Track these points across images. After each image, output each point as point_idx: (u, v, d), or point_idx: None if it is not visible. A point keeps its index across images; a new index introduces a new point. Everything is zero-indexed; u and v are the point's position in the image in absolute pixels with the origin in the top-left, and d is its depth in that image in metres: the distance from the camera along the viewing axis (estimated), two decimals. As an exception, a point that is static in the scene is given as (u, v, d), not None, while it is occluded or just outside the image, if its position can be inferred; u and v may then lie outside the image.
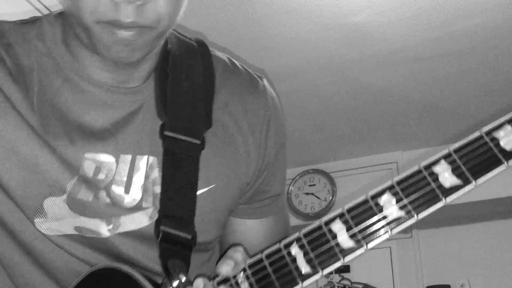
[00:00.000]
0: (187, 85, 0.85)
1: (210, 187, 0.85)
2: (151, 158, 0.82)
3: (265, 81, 0.96)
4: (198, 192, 0.83)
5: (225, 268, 0.75)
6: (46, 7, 2.35)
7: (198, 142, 0.83)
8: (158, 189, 0.82)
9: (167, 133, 0.82)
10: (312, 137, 3.43)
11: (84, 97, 0.81)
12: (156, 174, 0.82)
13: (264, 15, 2.42)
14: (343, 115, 3.27)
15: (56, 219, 0.79)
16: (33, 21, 0.86)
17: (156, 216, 0.82)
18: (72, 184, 0.80)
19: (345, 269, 3.47)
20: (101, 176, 0.80)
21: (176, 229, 0.79)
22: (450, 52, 2.74)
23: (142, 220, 0.82)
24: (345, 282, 3.47)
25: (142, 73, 0.84)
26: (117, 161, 0.81)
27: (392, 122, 3.31)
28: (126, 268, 0.75)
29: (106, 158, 0.81)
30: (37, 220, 0.79)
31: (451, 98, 3.04)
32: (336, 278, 3.48)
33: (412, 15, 2.52)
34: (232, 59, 0.96)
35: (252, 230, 0.96)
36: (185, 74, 0.87)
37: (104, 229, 0.80)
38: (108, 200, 0.81)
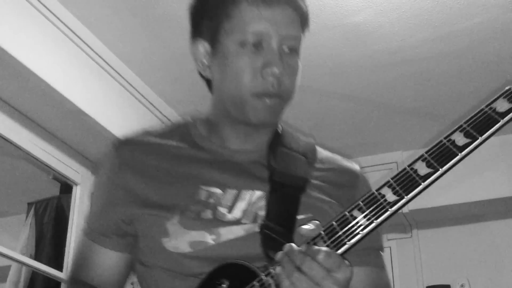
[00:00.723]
0: (292, 155, 1.15)
1: (308, 215, 1.07)
2: (258, 192, 1.09)
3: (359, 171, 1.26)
4: (299, 217, 1.06)
5: (305, 228, 0.93)
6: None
7: (299, 186, 1.10)
8: (262, 212, 1.07)
9: (274, 179, 1.09)
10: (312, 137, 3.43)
11: (214, 156, 1.14)
12: (262, 202, 1.08)
13: (264, 15, 2.42)
14: (343, 115, 3.27)
15: (175, 238, 1.05)
16: (177, 127, 1.22)
17: (252, 230, 1.05)
18: (183, 207, 1.07)
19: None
20: (211, 200, 1.08)
21: (277, 228, 1.03)
22: (450, 52, 2.74)
23: (238, 232, 1.05)
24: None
25: (258, 141, 1.15)
26: (224, 193, 1.09)
27: (392, 122, 3.31)
28: (240, 262, 0.99)
29: (216, 190, 1.09)
30: (164, 239, 1.05)
31: (451, 97, 3.04)
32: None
33: (412, 15, 2.52)
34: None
35: None
36: (292, 146, 1.17)
37: (208, 239, 1.04)
38: (211, 216, 1.06)
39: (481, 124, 0.87)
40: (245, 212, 1.08)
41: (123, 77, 2.83)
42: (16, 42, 2.21)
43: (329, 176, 1.17)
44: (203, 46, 1.13)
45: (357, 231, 0.90)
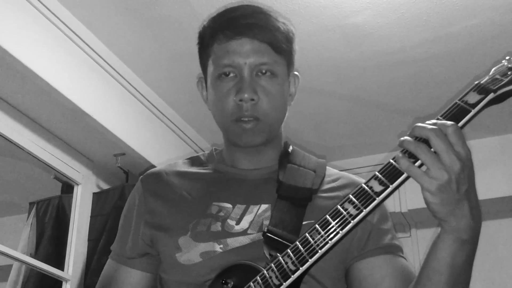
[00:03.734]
0: (300, 170, 1.23)
1: (312, 221, 1.13)
2: (265, 205, 1.18)
3: None
4: (304, 223, 1.14)
5: None
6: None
7: (305, 196, 1.18)
8: (267, 222, 1.15)
9: (281, 191, 1.19)
10: (312, 137, 3.45)
11: (226, 176, 1.26)
12: (268, 213, 1.17)
13: (264, 16, 2.43)
14: (343, 115, 3.28)
15: (186, 251, 1.14)
16: (198, 156, 1.35)
17: (258, 238, 1.13)
18: (195, 223, 1.17)
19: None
20: (221, 214, 1.18)
21: (281, 232, 1.11)
22: (449, 52, 2.76)
23: (243, 241, 1.14)
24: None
25: (268, 160, 1.26)
26: (233, 207, 1.19)
27: (391, 122, 3.32)
28: (243, 261, 1.09)
29: (226, 205, 1.19)
30: (177, 255, 1.15)
31: (450, 98, 3.05)
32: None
33: (411, 16, 2.53)
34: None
35: (370, 268, 1.17)
36: (301, 163, 1.25)
37: (217, 248, 1.13)
38: (220, 228, 1.16)
39: (455, 115, 0.95)
40: (251, 223, 1.17)
41: (123, 77, 2.84)
42: (17, 42, 2.22)
43: (336, 185, 1.25)
44: (203, 82, 1.29)
45: (348, 220, 0.96)
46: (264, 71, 1.18)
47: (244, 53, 1.17)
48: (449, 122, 0.92)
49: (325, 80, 2.96)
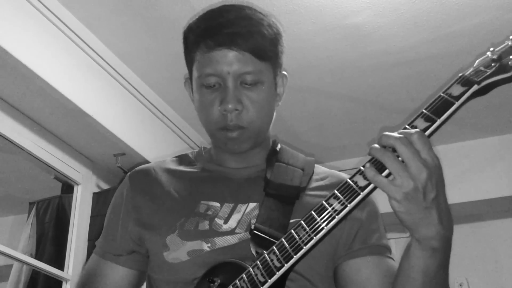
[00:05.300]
0: (288, 168, 1.23)
1: (299, 219, 1.09)
2: (253, 204, 1.18)
3: None
4: (291, 221, 1.14)
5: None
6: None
7: (292, 194, 1.18)
8: (255, 220, 1.15)
9: (268, 190, 1.19)
10: (312, 137, 3.45)
11: (214, 175, 1.26)
12: (256, 212, 1.17)
13: (264, 16, 2.43)
14: (343, 115, 3.28)
15: (174, 250, 1.14)
16: (189, 153, 1.35)
17: (245, 237, 1.13)
18: (183, 222, 1.17)
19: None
20: (209, 212, 1.18)
21: (268, 230, 1.11)
22: (449, 52, 2.76)
23: (231, 240, 1.14)
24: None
25: (256, 159, 1.25)
26: (221, 206, 1.19)
27: (391, 122, 3.32)
28: (230, 259, 1.09)
29: (214, 204, 1.19)
30: (165, 253, 1.15)
31: (450, 98, 3.05)
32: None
33: (411, 16, 2.54)
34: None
35: (356, 268, 1.17)
36: (289, 162, 1.25)
37: (205, 247, 1.13)
38: (207, 227, 1.15)
39: (439, 108, 0.97)
40: (239, 222, 1.17)
41: (123, 77, 2.85)
42: (17, 42, 2.22)
43: (324, 183, 1.25)
44: (189, 84, 1.30)
45: (333, 215, 0.96)
46: (248, 81, 1.16)
47: (227, 62, 1.15)
48: (413, 130, 0.92)
49: (325, 80, 2.96)
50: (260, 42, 1.17)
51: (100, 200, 2.94)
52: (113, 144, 2.83)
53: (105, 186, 3.08)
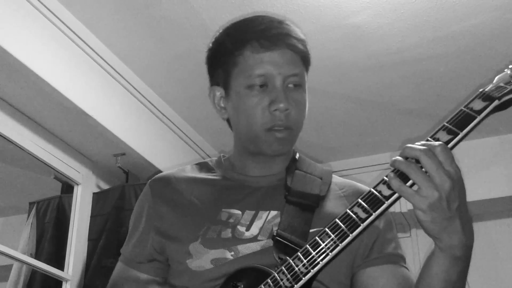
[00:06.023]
0: (308, 177, 1.26)
1: (320, 228, 1.09)
2: (274, 212, 1.20)
3: None
4: (311, 230, 1.15)
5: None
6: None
7: (313, 202, 1.20)
8: (277, 227, 1.16)
9: (289, 197, 1.20)
10: (312, 137, 3.45)
11: (235, 183, 1.27)
12: (278, 219, 1.18)
13: (264, 16, 2.43)
14: (343, 115, 3.28)
15: (198, 258, 1.15)
16: (205, 162, 1.36)
17: (268, 245, 1.14)
18: (205, 230, 1.18)
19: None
20: (230, 220, 1.19)
21: (290, 237, 1.12)
22: (449, 52, 2.76)
23: (255, 248, 1.15)
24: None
25: (277, 167, 1.27)
26: (243, 213, 1.20)
27: (391, 122, 3.33)
28: (253, 265, 1.10)
29: (235, 212, 1.21)
30: (188, 261, 1.16)
31: (450, 98, 3.05)
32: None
33: (411, 16, 2.53)
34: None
35: (372, 277, 1.19)
36: (308, 170, 1.27)
37: (228, 255, 1.14)
38: (230, 235, 1.17)
39: (461, 121, 0.99)
40: (261, 229, 1.18)
41: (123, 77, 2.85)
42: (17, 42, 2.23)
43: (343, 193, 1.27)
44: (218, 91, 1.27)
45: (357, 223, 0.98)
46: (293, 83, 1.20)
47: (278, 63, 1.18)
48: (437, 142, 0.95)
49: (325, 80, 2.96)
50: (305, 46, 1.23)
51: (100, 200, 2.94)
52: (113, 144, 2.83)
53: (105, 186, 3.08)
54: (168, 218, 1.23)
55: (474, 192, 3.37)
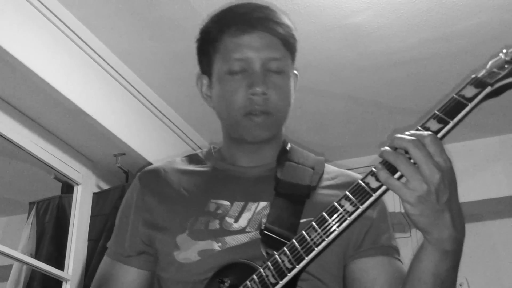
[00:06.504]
0: (299, 167, 1.23)
1: (310, 219, 1.07)
2: (263, 203, 1.17)
3: None
4: (302, 221, 1.13)
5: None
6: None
7: (303, 193, 1.17)
8: (265, 219, 1.14)
9: (279, 189, 1.18)
10: (311, 137, 3.45)
11: (224, 173, 1.25)
12: (267, 210, 1.16)
13: (264, 16, 2.43)
14: (343, 115, 3.28)
15: (185, 249, 1.13)
16: (196, 153, 1.34)
17: (256, 236, 1.12)
18: (193, 221, 1.16)
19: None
20: (219, 211, 1.17)
21: (278, 230, 1.11)
22: (449, 52, 2.76)
23: (242, 239, 1.13)
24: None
25: (267, 157, 1.25)
26: (231, 205, 1.18)
27: (391, 122, 3.33)
28: (240, 260, 1.08)
29: (224, 203, 1.19)
30: (175, 253, 1.14)
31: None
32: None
33: (411, 16, 2.54)
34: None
35: (364, 268, 1.17)
36: (299, 161, 1.24)
37: (215, 246, 1.13)
38: (218, 226, 1.15)
39: (452, 109, 0.95)
40: (250, 220, 1.16)
41: (123, 77, 2.85)
42: (17, 42, 2.23)
43: (335, 182, 1.24)
44: (205, 79, 1.26)
45: (344, 217, 0.95)
46: (274, 68, 1.18)
47: (256, 47, 1.16)
48: (426, 132, 0.92)
49: (325, 80, 2.96)
50: (288, 31, 1.20)
51: (100, 200, 2.94)
52: (113, 144, 2.83)
53: (105, 186, 3.08)
54: (157, 210, 1.21)
55: (474, 192, 3.37)
